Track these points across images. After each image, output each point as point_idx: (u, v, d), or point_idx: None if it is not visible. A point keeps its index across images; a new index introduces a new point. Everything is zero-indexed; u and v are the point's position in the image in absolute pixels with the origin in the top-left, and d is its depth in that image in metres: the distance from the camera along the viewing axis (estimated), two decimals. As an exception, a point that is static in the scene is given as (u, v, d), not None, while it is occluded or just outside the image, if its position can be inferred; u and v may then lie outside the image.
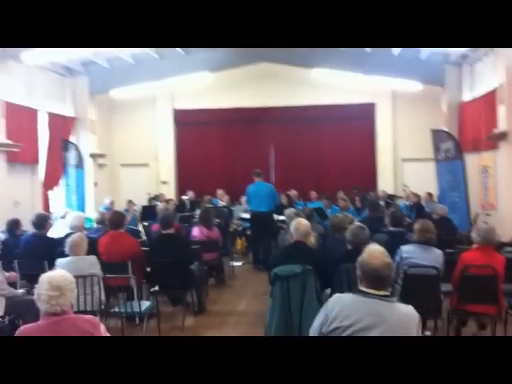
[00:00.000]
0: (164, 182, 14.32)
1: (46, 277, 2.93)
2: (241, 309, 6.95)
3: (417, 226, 5.15)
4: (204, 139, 14.31)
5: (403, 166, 13.67)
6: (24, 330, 2.90)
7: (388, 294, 2.93)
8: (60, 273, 3.00)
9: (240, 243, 11.02)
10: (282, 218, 8.72)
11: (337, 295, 3.08)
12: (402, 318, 2.85)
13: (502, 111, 9.25)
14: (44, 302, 2.86)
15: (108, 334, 3.10)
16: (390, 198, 11.57)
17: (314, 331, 3.09)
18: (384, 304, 2.87)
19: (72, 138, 12.06)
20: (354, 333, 2.82)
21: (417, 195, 10.84)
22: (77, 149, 11.61)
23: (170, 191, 13.93)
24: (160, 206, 8.99)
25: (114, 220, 6.19)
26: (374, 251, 3.05)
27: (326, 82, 12.83)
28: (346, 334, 2.84)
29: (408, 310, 2.92)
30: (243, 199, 11.16)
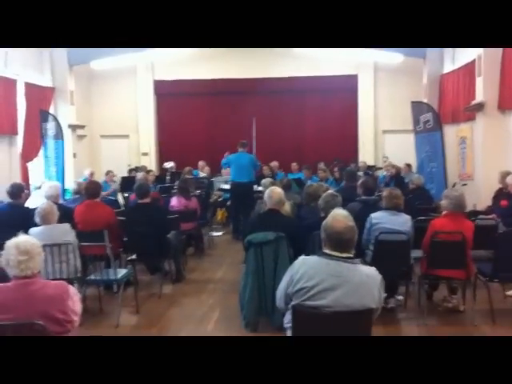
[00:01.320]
0: (144, 154, 14.22)
1: (12, 242, 2.93)
2: (218, 277, 7.02)
3: (385, 193, 5.25)
4: (185, 111, 14.19)
5: (384, 138, 13.75)
6: None
7: (351, 255, 2.99)
8: (25, 238, 3.01)
9: (220, 214, 11.06)
10: (261, 188, 8.75)
11: (302, 257, 3.14)
12: (364, 279, 2.92)
13: (479, 83, 9.30)
14: (14, 267, 2.87)
15: (79, 296, 3.12)
16: (370, 169, 11.66)
17: (280, 292, 3.17)
18: (347, 265, 2.94)
19: (50, 109, 11.89)
20: (317, 293, 2.90)
21: (396, 166, 10.94)
22: (55, 120, 11.47)
23: (150, 163, 13.87)
24: (139, 175, 8.92)
25: (89, 189, 6.17)
26: (338, 215, 3.11)
27: (308, 53, 12.71)
28: (310, 294, 2.92)
29: (370, 270, 3.00)
30: (223, 171, 11.18)
